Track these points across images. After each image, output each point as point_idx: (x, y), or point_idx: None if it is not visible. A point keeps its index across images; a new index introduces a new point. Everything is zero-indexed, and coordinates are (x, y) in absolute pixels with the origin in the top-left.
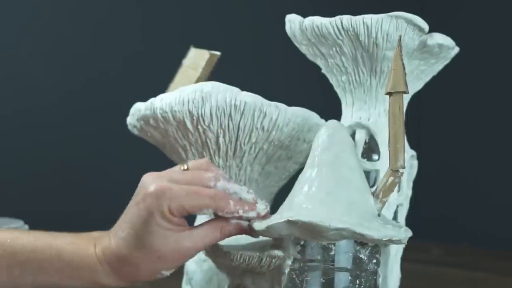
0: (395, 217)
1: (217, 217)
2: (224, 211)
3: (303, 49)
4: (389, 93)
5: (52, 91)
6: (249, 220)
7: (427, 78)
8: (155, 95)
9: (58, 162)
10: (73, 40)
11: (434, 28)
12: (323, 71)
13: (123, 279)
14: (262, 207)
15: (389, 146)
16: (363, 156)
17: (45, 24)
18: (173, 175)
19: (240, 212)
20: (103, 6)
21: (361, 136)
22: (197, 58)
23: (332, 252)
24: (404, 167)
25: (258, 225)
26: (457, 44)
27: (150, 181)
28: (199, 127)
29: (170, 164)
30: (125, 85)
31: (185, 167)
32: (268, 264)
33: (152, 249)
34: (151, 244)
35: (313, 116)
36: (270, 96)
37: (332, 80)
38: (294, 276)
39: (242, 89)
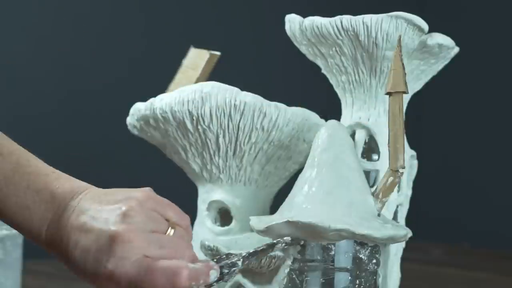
0: (395, 217)
1: None
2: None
3: (303, 49)
4: (389, 93)
5: (52, 92)
6: None
7: (427, 78)
8: (155, 95)
9: (58, 162)
10: (72, 40)
11: (434, 28)
12: (323, 71)
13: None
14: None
15: (389, 146)
16: (363, 156)
17: (46, 25)
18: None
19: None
20: (103, 6)
21: (361, 136)
22: (197, 58)
23: (332, 252)
24: (404, 167)
25: (258, 225)
26: (457, 44)
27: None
28: (199, 127)
29: (170, 164)
30: (124, 85)
31: (170, 233)
32: (268, 264)
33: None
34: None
35: (313, 116)
36: (270, 96)
37: (332, 80)
38: (294, 276)
39: (242, 89)
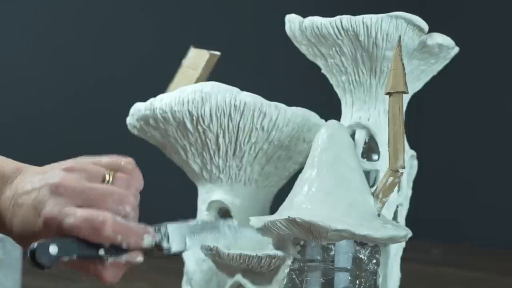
0: (395, 217)
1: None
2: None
3: (303, 49)
4: (389, 93)
5: (52, 92)
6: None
7: (427, 78)
8: (155, 95)
9: (58, 161)
10: (72, 40)
11: (434, 28)
12: (323, 71)
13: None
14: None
15: (389, 146)
16: (363, 156)
17: (46, 25)
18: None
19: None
20: (104, 6)
21: (361, 136)
22: (197, 58)
23: (332, 252)
24: (404, 167)
25: (258, 224)
26: (457, 44)
27: (52, 203)
28: (199, 127)
29: (170, 164)
30: (124, 86)
31: (109, 179)
32: (267, 264)
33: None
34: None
35: (313, 116)
36: (270, 96)
37: (332, 80)
38: (294, 276)
39: (242, 89)
